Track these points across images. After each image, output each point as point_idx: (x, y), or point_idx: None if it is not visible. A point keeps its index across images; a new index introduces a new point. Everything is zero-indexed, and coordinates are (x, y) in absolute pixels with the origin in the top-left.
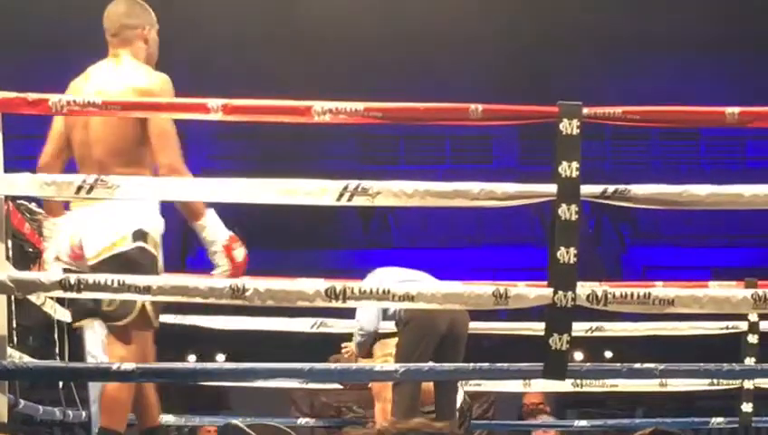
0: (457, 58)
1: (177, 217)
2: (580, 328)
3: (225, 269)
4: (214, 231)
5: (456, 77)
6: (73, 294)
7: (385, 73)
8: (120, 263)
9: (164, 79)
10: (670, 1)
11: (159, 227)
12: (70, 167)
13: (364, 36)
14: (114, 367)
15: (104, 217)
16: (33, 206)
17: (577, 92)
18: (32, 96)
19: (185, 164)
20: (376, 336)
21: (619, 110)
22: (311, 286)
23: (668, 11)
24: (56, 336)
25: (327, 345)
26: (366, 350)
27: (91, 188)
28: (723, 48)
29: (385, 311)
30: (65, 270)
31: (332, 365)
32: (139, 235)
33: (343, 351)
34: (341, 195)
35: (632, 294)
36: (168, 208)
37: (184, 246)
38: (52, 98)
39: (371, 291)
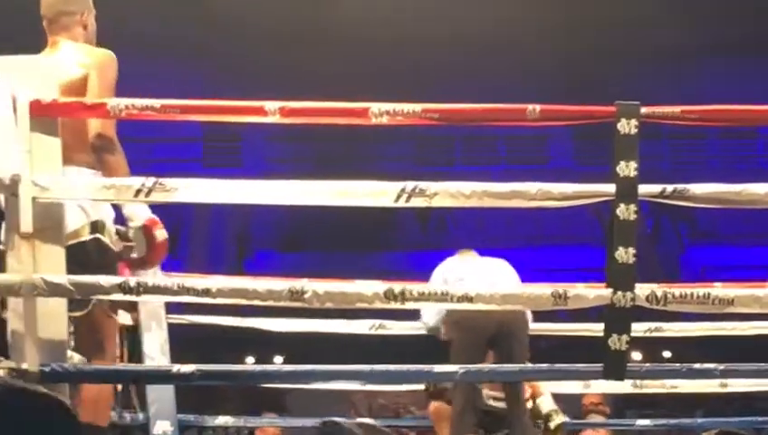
0: (506, 61)
1: (235, 221)
2: (638, 328)
3: (141, 248)
4: (133, 209)
5: (506, 80)
6: (133, 297)
7: (435, 76)
8: (75, 253)
9: (108, 53)
10: (723, 5)
11: (134, 212)
12: None
13: (415, 39)
14: (174, 369)
15: (72, 203)
16: None
17: (629, 95)
18: (90, 101)
19: (115, 139)
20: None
21: (677, 109)
22: (369, 288)
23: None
24: (117, 339)
25: (385, 347)
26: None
27: (150, 191)
28: None
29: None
30: None
31: (391, 367)
32: (97, 226)
33: None
34: (399, 196)
35: (691, 294)
36: (222, 213)
37: (241, 250)
38: (111, 102)
39: (430, 292)
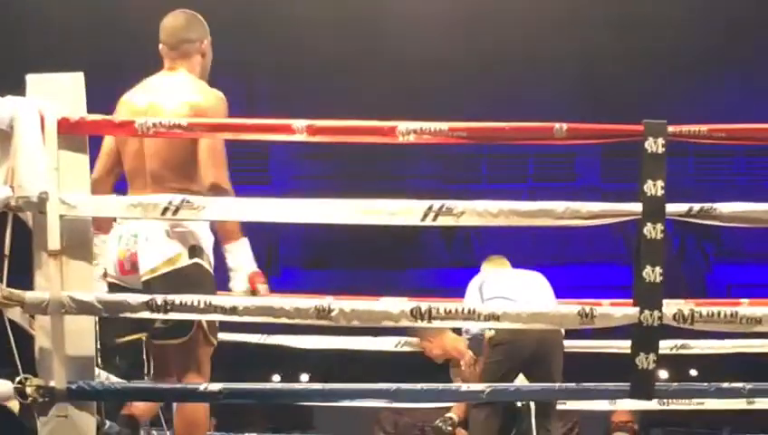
0: (538, 78)
1: (261, 239)
2: (664, 345)
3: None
4: (242, 259)
5: (538, 96)
6: (160, 315)
7: (466, 93)
8: (176, 279)
9: (218, 96)
10: (756, 20)
11: (210, 243)
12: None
13: (445, 55)
14: (201, 388)
15: (160, 231)
16: None
17: (659, 111)
18: (118, 118)
19: (229, 182)
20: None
21: (704, 128)
22: (396, 306)
23: (753, 30)
24: (144, 356)
25: (411, 363)
26: (479, 349)
27: (177, 210)
28: None
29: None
30: (111, 286)
31: (418, 386)
32: (196, 251)
33: (462, 363)
34: (426, 215)
35: (719, 313)
36: (248, 231)
37: (268, 267)
38: (139, 120)
39: (457, 311)
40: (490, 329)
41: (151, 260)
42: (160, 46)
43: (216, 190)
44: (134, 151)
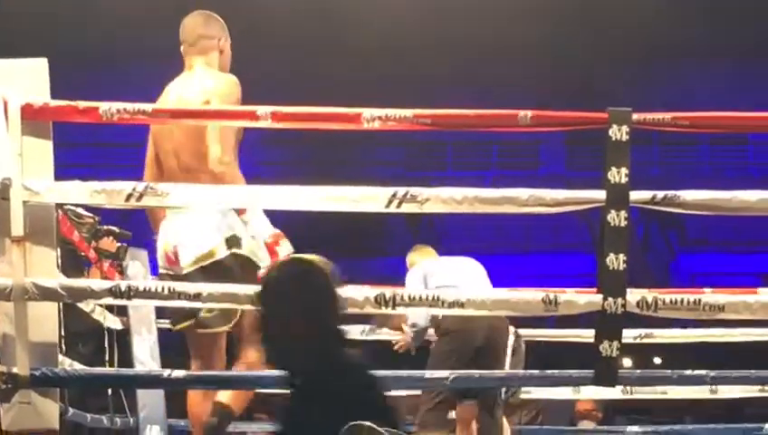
0: (503, 65)
1: None
2: (629, 334)
3: (266, 265)
4: (257, 227)
5: (504, 84)
6: (123, 302)
7: (431, 80)
8: (215, 271)
9: (231, 80)
10: (716, 8)
11: (257, 230)
12: None
13: (409, 44)
14: (165, 374)
15: (197, 223)
16: (80, 210)
17: (621, 100)
18: (82, 104)
19: (235, 163)
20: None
21: (668, 116)
22: (360, 293)
23: (714, 18)
24: (106, 343)
25: (376, 351)
26: (419, 343)
27: (141, 196)
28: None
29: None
30: (162, 276)
31: (384, 373)
32: (233, 241)
33: (396, 347)
34: (390, 202)
35: (682, 301)
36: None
37: None
38: (102, 106)
39: (421, 297)
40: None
41: (190, 253)
42: (181, 47)
43: (217, 166)
44: (166, 151)
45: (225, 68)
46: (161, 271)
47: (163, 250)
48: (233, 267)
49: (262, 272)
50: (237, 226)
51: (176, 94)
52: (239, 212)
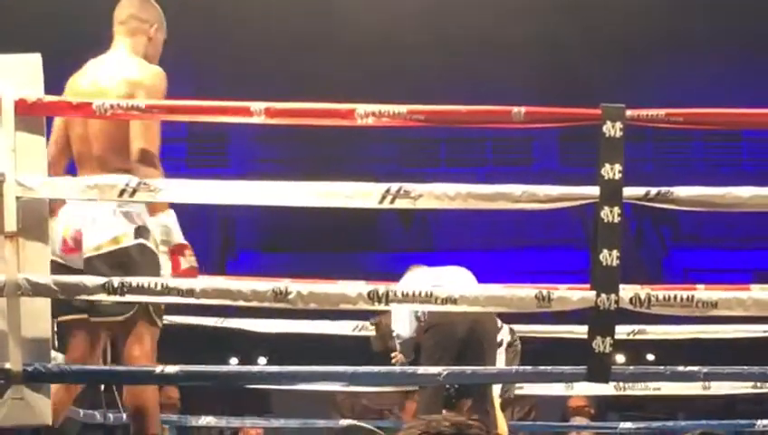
0: (496, 62)
1: (219, 222)
2: (622, 331)
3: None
4: (165, 232)
5: (495, 80)
6: (117, 298)
7: (425, 77)
8: (119, 258)
9: (157, 71)
10: (711, 3)
11: (166, 224)
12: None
13: (404, 40)
14: (157, 370)
15: (107, 211)
16: None
17: (617, 95)
18: (75, 100)
19: (158, 157)
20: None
21: (662, 112)
22: (353, 289)
23: (709, 13)
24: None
25: (369, 347)
26: (410, 353)
27: (134, 192)
28: (760, 52)
29: (416, 315)
30: (53, 264)
31: (376, 369)
32: (142, 232)
33: (393, 361)
34: (384, 198)
35: (675, 297)
36: (205, 213)
37: (224, 250)
38: (96, 102)
39: (414, 294)
40: (420, 317)
41: (96, 238)
42: (113, 27)
43: (142, 155)
44: (80, 135)
45: (153, 59)
46: (52, 258)
47: (62, 235)
48: (136, 258)
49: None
50: (147, 219)
51: (92, 76)
52: (153, 209)
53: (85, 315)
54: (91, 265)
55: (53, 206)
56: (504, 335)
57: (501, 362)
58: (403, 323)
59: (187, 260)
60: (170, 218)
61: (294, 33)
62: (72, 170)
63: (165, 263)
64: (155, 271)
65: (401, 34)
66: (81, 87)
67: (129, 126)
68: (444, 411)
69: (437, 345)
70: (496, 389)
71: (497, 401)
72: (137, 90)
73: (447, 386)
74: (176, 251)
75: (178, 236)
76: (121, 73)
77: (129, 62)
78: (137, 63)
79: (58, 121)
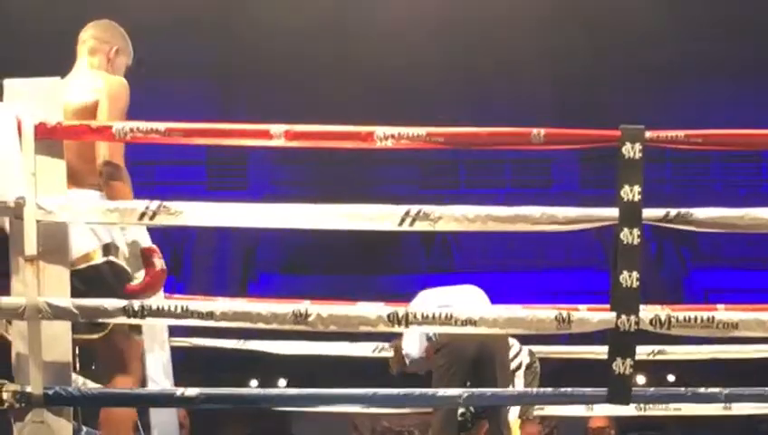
0: (515, 82)
1: (238, 244)
2: (642, 351)
3: (139, 275)
4: (136, 234)
5: (511, 101)
6: (137, 320)
7: (442, 98)
8: (89, 276)
9: (120, 80)
10: (722, 25)
11: (135, 237)
12: None
13: (421, 61)
14: (178, 393)
15: (75, 227)
16: None
17: (635, 117)
18: (95, 123)
19: (122, 167)
20: (427, 357)
21: (681, 133)
22: (373, 311)
23: (732, 34)
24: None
25: (388, 369)
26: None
27: (154, 215)
28: None
29: (428, 335)
30: None
31: (396, 391)
32: (110, 249)
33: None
34: (403, 220)
35: (696, 318)
36: (226, 236)
37: (245, 272)
38: (116, 125)
39: (434, 316)
40: (431, 337)
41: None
42: (78, 44)
43: (108, 167)
44: None
45: None
46: None
47: None
48: (106, 275)
49: (134, 283)
50: (116, 234)
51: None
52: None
53: None
54: None
55: None
56: (522, 357)
57: (520, 383)
58: (414, 342)
59: (160, 262)
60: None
61: (309, 60)
62: None
63: (137, 270)
64: (123, 287)
65: (417, 55)
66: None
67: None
68: None
69: (449, 364)
70: (515, 410)
71: (517, 422)
72: (101, 96)
73: (462, 410)
74: (147, 253)
75: (147, 240)
76: (85, 86)
77: (90, 74)
78: (99, 74)
79: None
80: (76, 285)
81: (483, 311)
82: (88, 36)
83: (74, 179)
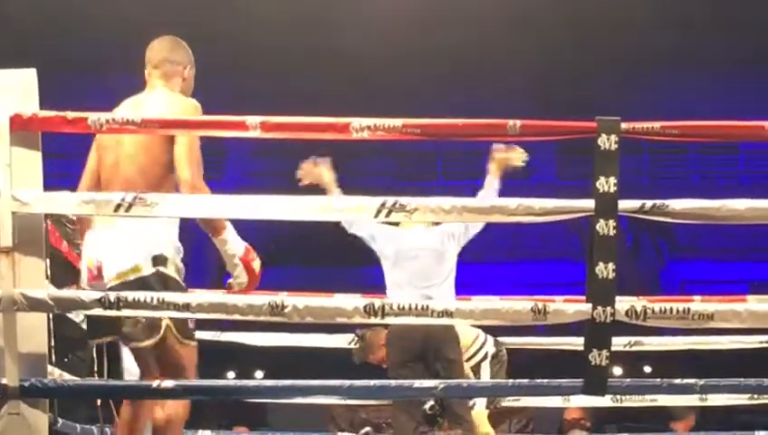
0: (492, 73)
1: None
2: (618, 342)
3: (243, 281)
4: (233, 245)
5: (493, 94)
6: (113, 312)
7: (419, 89)
8: (138, 288)
9: (191, 102)
10: (703, 17)
11: (179, 250)
12: None
13: (402, 53)
14: (154, 385)
15: (124, 239)
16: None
17: (615, 109)
18: (71, 115)
19: (204, 183)
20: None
21: (657, 124)
22: (349, 303)
23: (707, 26)
24: (95, 354)
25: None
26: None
27: (130, 206)
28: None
29: None
30: None
31: (372, 382)
32: (159, 260)
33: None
34: (379, 211)
35: (671, 309)
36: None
37: (221, 264)
38: (92, 116)
39: (410, 307)
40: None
41: (115, 268)
42: (145, 69)
43: (191, 190)
44: (111, 161)
45: (186, 95)
46: (82, 286)
47: (86, 265)
48: (156, 286)
49: (237, 286)
50: (167, 245)
51: (134, 112)
52: (217, 233)
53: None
54: None
55: (81, 230)
56: (488, 348)
57: (486, 374)
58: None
59: (257, 263)
60: (231, 234)
61: (291, 51)
62: None
63: (239, 274)
64: None
65: (398, 48)
66: None
67: (163, 150)
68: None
69: (396, 355)
70: (482, 401)
71: (485, 413)
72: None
73: (432, 403)
74: (245, 259)
75: (240, 244)
76: (157, 109)
77: (165, 97)
78: (173, 97)
79: (93, 151)
80: None
81: (459, 302)
82: (159, 60)
83: (126, 187)
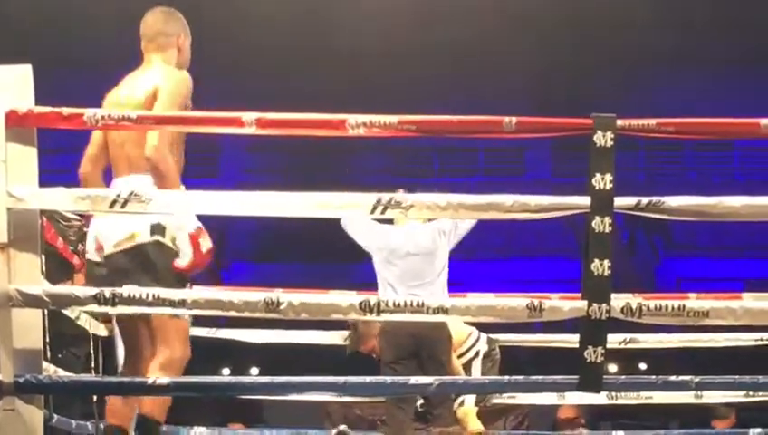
0: (491, 71)
1: (210, 232)
2: (613, 340)
3: (188, 257)
4: (183, 218)
5: (490, 90)
6: (108, 308)
7: (419, 86)
8: (135, 255)
9: (181, 75)
10: (703, 17)
11: (184, 223)
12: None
13: (399, 50)
14: (150, 381)
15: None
16: (68, 214)
17: (612, 107)
18: (66, 111)
19: (169, 155)
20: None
21: (653, 121)
22: (345, 300)
23: (704, 25)
24: (90, 350)
25: (359, 357)
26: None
27: (126, 202)
28: (752, 62)
29: None
30: (94, 263)
31: (367, 379)
32: (157, 229)
33: None
34: (375, 208)
35: (667, 307)
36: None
37: (216, 261)
38: (87, 112)
39: (406, 304)
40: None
41: (114, 235)
42: (141, 43)
43: (154, 153)
44: (114, 139)
45: (183, 66)
46: (88, 258)
47: (93, 237)
48: (153, 254)
49: (180, 262)
50: (167, 218)
51: (128, 88)
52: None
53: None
54: (112, 261)
55: (87, 214)
56: (480, 346)
57: (477, 372)
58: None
59: (206, 242)
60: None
61: (288, 48)
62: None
63: (184, 248)
64: (170, 266)
65: (397, 46)
66: (119, 100)
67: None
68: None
69: (388, 350)
70: (471, 398)
71: (474, 410)
72: (160, 85)
73: (420, 403)
74: (195, 234)
75: (193, 221)
76: (153, 82)
77: (159, 70)
78: (165, 70)
79: (97, 136)
80: (122, 264)
81: (455, 299)
82: (154, 33)
83: (132, 166)
